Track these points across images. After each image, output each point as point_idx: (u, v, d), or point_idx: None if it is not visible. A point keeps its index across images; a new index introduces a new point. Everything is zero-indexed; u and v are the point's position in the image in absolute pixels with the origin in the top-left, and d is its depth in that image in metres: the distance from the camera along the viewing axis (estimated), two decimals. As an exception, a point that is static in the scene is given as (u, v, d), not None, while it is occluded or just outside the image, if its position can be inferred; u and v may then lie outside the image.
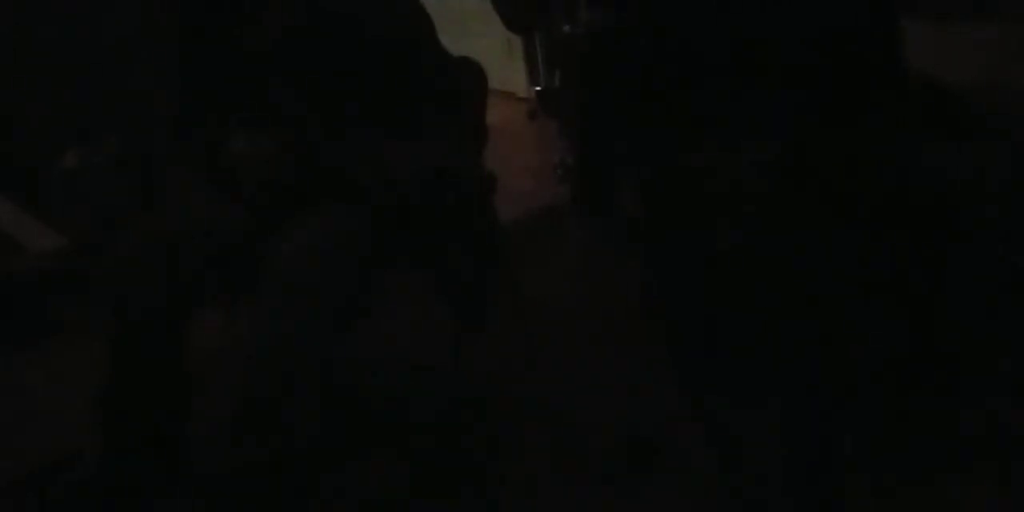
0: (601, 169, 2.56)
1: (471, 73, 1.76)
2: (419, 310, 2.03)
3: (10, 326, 2.19)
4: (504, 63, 3.74)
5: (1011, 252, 1.80)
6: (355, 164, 1.55)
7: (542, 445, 1.67)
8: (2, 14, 2.35)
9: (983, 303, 1.80)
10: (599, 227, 2.58)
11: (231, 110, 1.62)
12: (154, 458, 1.54)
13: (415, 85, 1.60)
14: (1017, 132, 1.84)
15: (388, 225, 1.51)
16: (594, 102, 2.45)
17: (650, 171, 1.90)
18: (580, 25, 2.18)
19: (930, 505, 1.42)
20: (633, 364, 1.88)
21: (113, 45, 2.42)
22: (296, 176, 1.55)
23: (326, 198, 1.53)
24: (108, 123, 2.39)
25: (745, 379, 1.75)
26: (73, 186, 2.26)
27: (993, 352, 1.72)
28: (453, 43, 1.75)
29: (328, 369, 1.45)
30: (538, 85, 3.58)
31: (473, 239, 1.76)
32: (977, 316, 1.79)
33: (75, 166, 2.27)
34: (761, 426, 1.63)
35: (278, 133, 1.56)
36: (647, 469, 1.58)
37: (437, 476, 1.62)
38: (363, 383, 1.89)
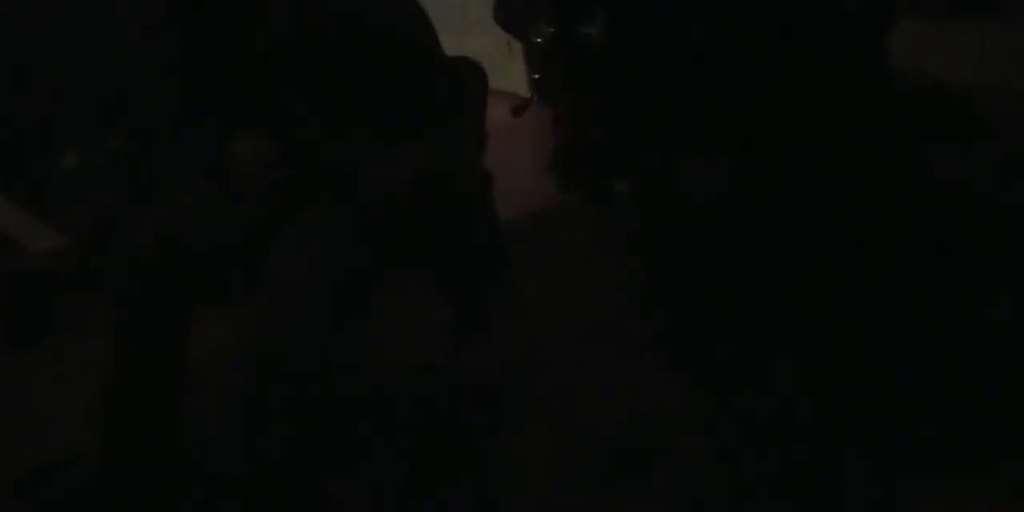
0: (583, 158, 2.56)
1: (471, 73, 1.76)
2: (419, 310, 2.03)
3: (10, 326, 2.19)
4: (504, 63, 3.73)
5: (1008, 252, 1.81)
6: (355, 164, 1.55)
7: (542, 445, 1.67)
8: (2, 14, 2.35)
9: (979, 302, 1.80)
10: (598, 225, 2.58)
11: (231, 110, 1.62)
12: (154, 458, 1.54)
13: (415, 85, 1.60)
14: (1017, 132, 1.84)
15: (388, 225, 1.51)
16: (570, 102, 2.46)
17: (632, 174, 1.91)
18: (546, 36, 2.22)
19: (930, 505, 1.42)
20: (633, 364, 1.88)
21: (113, 45, 2.42)
22: (295, 176, 1.55)
23: (326, 198, 1.53)
24: (108, 123, 2.39)
25: (744, 374, 1.75)
26: (73, 186, 2.26)
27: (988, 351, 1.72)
28: (453, 43, 1.75)
29: (328, 369, 1.45)
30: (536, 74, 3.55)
31: (473, 239, 1.76)
32: (973, 315, 1.79)
33: (75, 166, 2.27)
34: (761, 423, 1.64)
35: (278, 133, 1.56)
36: (647, 470, 1.58)
37: (437, 476, 1.62)
38: (363, 383, 1.89)
